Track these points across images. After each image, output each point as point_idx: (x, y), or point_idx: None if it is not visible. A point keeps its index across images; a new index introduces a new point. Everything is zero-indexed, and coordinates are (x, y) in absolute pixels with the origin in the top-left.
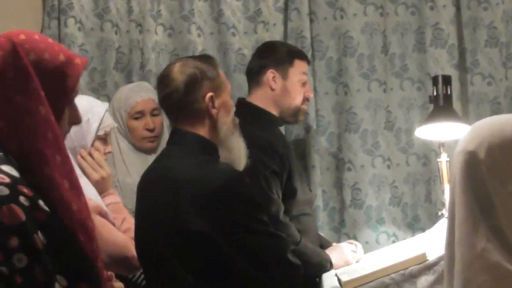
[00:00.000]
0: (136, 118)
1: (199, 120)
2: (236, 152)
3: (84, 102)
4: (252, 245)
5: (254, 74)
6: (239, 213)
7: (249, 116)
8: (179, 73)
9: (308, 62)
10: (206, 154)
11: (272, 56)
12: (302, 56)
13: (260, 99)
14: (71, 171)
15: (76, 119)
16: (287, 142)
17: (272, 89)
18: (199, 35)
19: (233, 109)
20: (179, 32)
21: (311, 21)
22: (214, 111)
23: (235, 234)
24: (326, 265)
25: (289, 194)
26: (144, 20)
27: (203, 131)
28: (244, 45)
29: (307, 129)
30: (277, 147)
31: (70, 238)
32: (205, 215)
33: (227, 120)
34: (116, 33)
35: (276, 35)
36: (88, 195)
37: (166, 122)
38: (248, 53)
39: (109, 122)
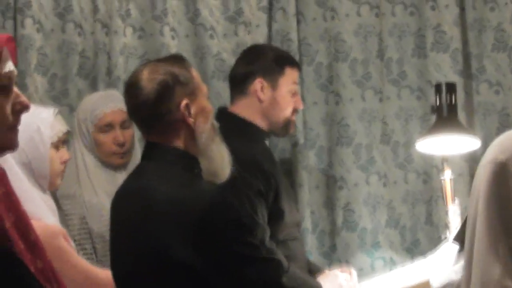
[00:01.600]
0: (104, 131)
1: (174, 132)
2: (219, 161)
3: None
4: (243, 273)
5: (239, 82)
6: (226, 238)
7: (232, 128)
8: (148, 81)
9: (300, 69)
10: (185, 169)
11: (260, 62)
12: (293, 63)
13: (246, 109)
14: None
15: (21, 105)
16: (274, 158)
17: (260, 101)
18: (173, 38)
19: (212, 113)
20: (150, 34)
21: (298, 22)
22: (190, 120)
23: (223, 263)
24: None
25: (276, 217)
26: (111, 21)
27: (180, 142)
28: (223, 49)
29: (294, 143)
30: (262, 163)
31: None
32: (189, 243)
33: (206, 127)
34: (79, 34)
35: (259, 37)
36: (47, 217)
37: (137, 134)
38: (228, 57)
39: (60, 127)
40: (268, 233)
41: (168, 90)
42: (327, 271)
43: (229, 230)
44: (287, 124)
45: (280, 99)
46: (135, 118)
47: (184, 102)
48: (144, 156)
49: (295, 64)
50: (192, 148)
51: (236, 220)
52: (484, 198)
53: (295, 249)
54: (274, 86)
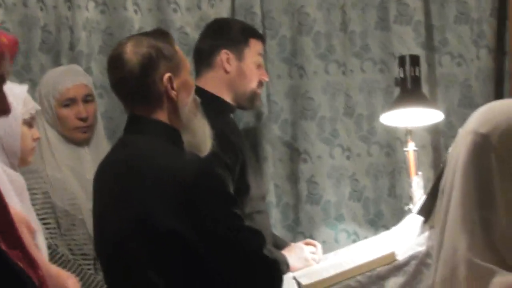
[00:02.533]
0: (67, 106)
1: (158, 104)
2: (201, 135)
3: None
4: (227, 241)
5: (204, 56)
6: (213, 208)
7: None
8: (133, 54)
9: (264, 42)
10: (169, 142)
11: (225, 35)
12: (257, 35)
13: (212, 83)
14: None
15: (3, 107)
16: (240, 131)
17: (227, 72)
18: (136, 12)
19: (194, 88)
20: (113, 8)
21: None
22: (173, 93)
23: (209, 230)
24: (282, 269)
25: (242, 190)
26: None
27: (163, 116)
28: (186, 23)
29: (258, 116)
30: (229, 137)
31: None
32: (177, 212)
33: (188, 101)
34: (41, 9)
35: (222, 11)
36: (11, 201)
37: (100, 109)
38: (191, 31)
39: (33, 104)
40: None
41: (152, 63)
42: (292, 244)
43: (213, 199)
44: (253, 96)
45: (246, 69)
46: (119, 90)
47: (167, 75)
48: (128, 129)
49: (259, 36)
50: (175, 122)
51: (222, 190)
52: (463, 168)
53: (260, 222)
54: (239, 57)
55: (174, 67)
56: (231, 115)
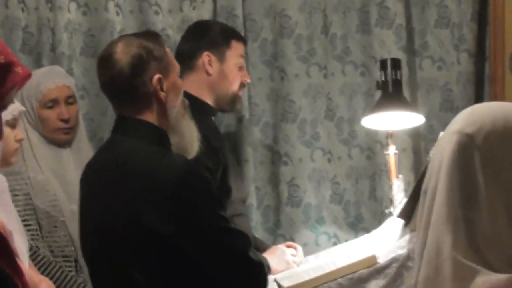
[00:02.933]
0: (49, 107)
1: (147, 106)
2: (188, 137)
3: None
4: (213, 243)
5: (186, 58)
6: (199, 210)
7: None
8: (123, 54)
9: (245, 44)
10: (157, 143)
11: (207, 37)
12: (239, 36)
13: (193, 85)
14: None
15: None
16: (221, 134)
17: (208, 74)
18: (117, 13)
19: (182, 90)
20: (94, 10)
21: None
22: (162, 95)
23: (194, 232)
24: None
25: (223, 193)
26: None
27: (151, 117)
28: (168, 25)
29: (239, 118)
30: (210, 140)
31: None
32: (163, 212)
33: (176, 103)
34: (22, 10)
35: (204, 13)
36: None
37: (81, 111)
38: (173, 33)
39: (16, 105)
40: None
41: (142, 64)
42: (273, 247)
43: (200, 201)
44: (234, 99)
45: (228, 72)
46: (108, 91)
47: (157, 76)
48: (116, 130)
49: (241, 38)
50: (163, 123)
51: (209, 192)
52: (447, 167)
53: (241, 225)
54: (221, 59)
55: (164, 68)
56: (212, 118)
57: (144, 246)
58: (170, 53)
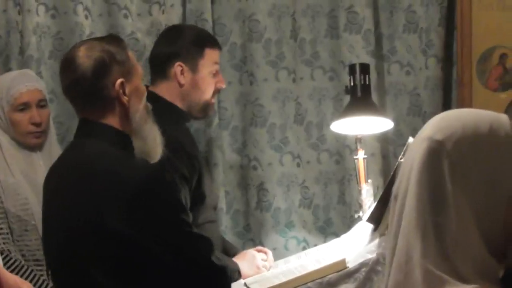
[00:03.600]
0: (20, 111)
1: (109, 109)
2: (151, 141)
3: None
4: (175, 247)
5: (158, 65)
6: (161, 214)
7: (155, 109)
8: (85, 58)
9: (220, 48)
10: (120, 147)
11: (179, 45)
12: (212, 43)
13: (166, 92)
14: None
15: None
16: (195, 140)
17: (181, 85)
18: (86, 17)
19: (145, 94)
20: (63, 13)
21: (213, 2)
22: (125, 99)
23: (156, 235)
24: (233, 276)
25: (198, 200)
26: None
27: (114, 121)
28: (137, 29)
29: (208, 123)
30: (185, 146)
31: None
32: (124, 216)
33: (139, 107)
34: None
35: (173, 17)
36: None
37: (52, 115)
38: (142, 37)
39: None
40: (190, 218)
41: (104, 67)
42: (243, 252)
43: (163, 205)
44: (206, 107)
45: (201, 82)
46: (71, 94)
47: (119, 80)
48: (79, 134)
49: (215, 44)
50: (126, 127)
51: (170, 196)
52: (417, 174)
53: (212, 232)
54: (194, 69)
55: (126, 72)
56: (186, 124)
57: (105, 249)
58: (133, 57)
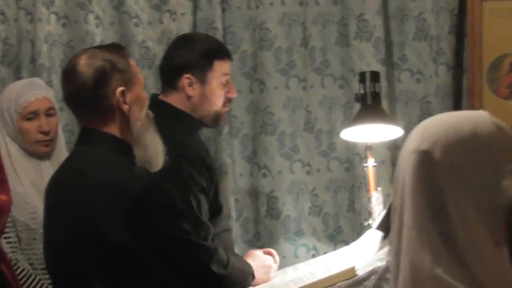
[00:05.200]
0: (29, 119)
1: (110, 118)
2: (152, 150)
3: None
4: (174, 255)
5: (167, 75)
6: (159, 222)
7: (167, 117)
8: (86, 66)
9: (230, 58)
10: (121, 156)
11: (188, 57)
12: (222, 54)
13: (177, 102)
14: None
15: None
16: (208, 150)
17: (189, 97)
18: (97, 26)
19: (147, 102)
20: (74, 22)
21: (223, 10)
22: (125, 107)
23: (155, 244)
24: (248, 281)
25: (215, 211)
26: (35, 8)
27: (114, 129)
28: (148, 37)
29: (219, 131)
30: (205, 159)
31: None
32: (123, 224)
33: (140, 116)
34: (2, 22)
35: (184, 25)
36: None
37: (61, 123)
38: (153, 45)
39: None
40: (211, 231)
41: (105, 76)
42: (249, 252)
43: (161, 213)
44: (218, 117)
45: (210, 94)
46: (72, 103)
47: (120, 89)
48: (80, 142)
49: (225, 55)
50: (127, 136)
51: (169, 204)
52: (410, 187)
53: (227, 241)
54: (203, 81)
55: (127, 81)
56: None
57: (104, 257)
58: (135, 66)
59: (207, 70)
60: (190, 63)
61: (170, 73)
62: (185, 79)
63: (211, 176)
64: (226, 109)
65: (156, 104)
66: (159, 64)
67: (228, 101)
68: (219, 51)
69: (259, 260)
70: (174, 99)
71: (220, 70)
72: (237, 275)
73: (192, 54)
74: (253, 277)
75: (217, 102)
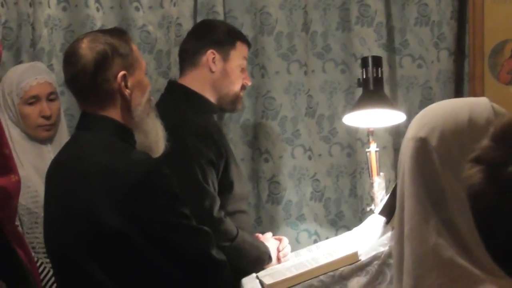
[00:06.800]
0: (30, 104)
1: (111, 102)
2: (153, 136)
3: None
4: (173, 240)
5: (190, 55)
6: (158, 208)
7: (183, 100)
8: (88, 50)
9: (249, 46)
10: (121, 140)
11: (213, 35)
12: (244, 39)
13: (196, 82)
14: None
15: None
16: (222, 131)
17: (212, 71)
18: (97, 9)
19: (149, 88)
20: (75, 6)
21: None
22: (127, 92)
23: (154, 230)
24: (264, 258)
25: (226, 187)
26: None
27: (115, 114)
28: (148, 21)
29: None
30: (213, 134)
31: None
32: (122, 210)
33: (142, 101)
34: (2, 5)
35: (185, 9)
36: None
37: (62, 107)
38: (153, 30)
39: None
40: (218, 202)
41: (106, 60)
42: (256, 234)
43: (159, 199)
44: (236, 99)
45: (231, 71)
46: (73, 86)
47: (121, 73)
48: (80, 126)
49: (246, 40)
50: (128, 120)
51: (167, 189)
52: (410, 175)
53: (242, 223)
54: (225, 58)
55: (129, 65)
56: (214, 116)
57: (102, 244)
58: (137, 50)
59: (230, 48)
60: (215, 40)
61: (193, 50)
62: (210, 54)
63: (219, 150)
64: (242, 94)
65: (172, 88)
66: (180, 47)
67: (243, 87)
68: (241, 34)
69: (271, 244)
70: (194, 77)
71: (241, 51)
72: (249, 249)
73: (217, 32)
74: (270, 257)
75: (236, 82)
